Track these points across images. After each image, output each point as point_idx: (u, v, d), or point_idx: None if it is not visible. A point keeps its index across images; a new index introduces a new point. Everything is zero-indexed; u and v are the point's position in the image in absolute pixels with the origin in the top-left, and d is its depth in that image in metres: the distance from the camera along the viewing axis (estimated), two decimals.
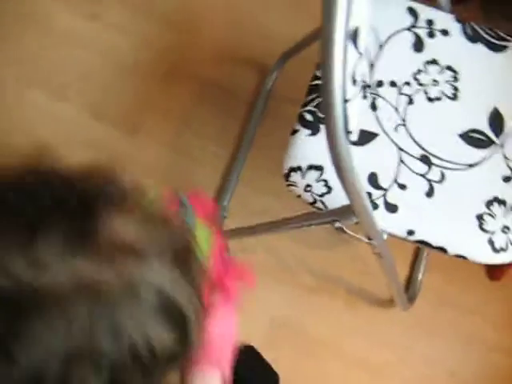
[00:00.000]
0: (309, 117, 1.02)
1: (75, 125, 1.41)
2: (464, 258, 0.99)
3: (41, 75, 1.45)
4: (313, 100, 1.02)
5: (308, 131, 1.01)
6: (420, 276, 1.39)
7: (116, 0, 1.53)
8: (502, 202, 1.00)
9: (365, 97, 1.04)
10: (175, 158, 1.44)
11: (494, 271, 1.37)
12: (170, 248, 0.47)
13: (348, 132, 0.69)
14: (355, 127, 0.73)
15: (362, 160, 0.98)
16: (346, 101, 0.66)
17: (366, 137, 1.02)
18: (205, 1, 1.55)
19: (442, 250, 0.99)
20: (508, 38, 1.10)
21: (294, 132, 1.03)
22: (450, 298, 1.38)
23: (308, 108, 1.02)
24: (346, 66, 0.64)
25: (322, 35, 0.64)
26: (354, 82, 0.69)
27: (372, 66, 1.06)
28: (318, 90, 0.99)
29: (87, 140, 1.38)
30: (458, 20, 1.11)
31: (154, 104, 1.47)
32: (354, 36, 0.68)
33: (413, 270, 1.40)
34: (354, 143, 0.99)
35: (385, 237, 0.97)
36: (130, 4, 1.54)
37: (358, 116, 0.74)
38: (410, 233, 0.98)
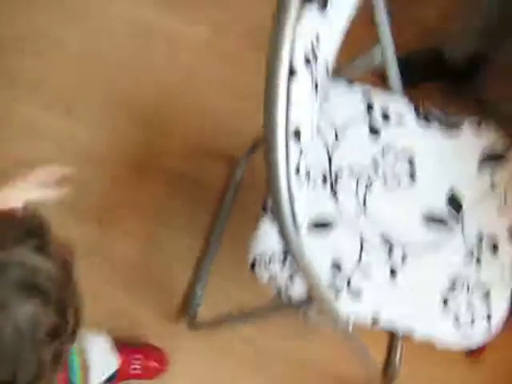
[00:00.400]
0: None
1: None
2: (433, 341, 0.99)
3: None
4: None
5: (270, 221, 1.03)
6: (397, 357, 1.38)
7: (88, 94, 1.58)
8: (464, 281, 1.01)
9: (325, 184, 1.07)
10: (147, 250, 1.45)
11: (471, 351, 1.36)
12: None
13: (297, 226, 0.70)
14: (303, 219, 0.75)
15: (323, 247, 1.00)
16: (291, 197, 0.68)
17: (327, 226, 1.04)
18: (176, 99, 1.59)
19: (410, 334, 0.98)
20: (460, 121, 1.14)
21: (261, 219, 1.04)
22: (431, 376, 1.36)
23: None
24: (288, 165, 0.66)
25: (264, 137, 0.67)
26: (298, 177, 0.71)
27: (330, 154, 1.09)
28: None
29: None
30: (412, 102, 1.15)
31: (124, 196, 1.49)
32: (297, 134, 0.70)
33: (390, 352, 1.39)
34: (315, 231, 1.01)
35: (350, 325, 0.97)
36: (101, 97, 1.58)
37: (306, 208, 0.75)
38: (375, 319, 0.97)
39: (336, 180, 1.08)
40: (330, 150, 1.10)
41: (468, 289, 1.00)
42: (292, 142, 0.69)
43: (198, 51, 1.64)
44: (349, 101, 1.15)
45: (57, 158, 1.46)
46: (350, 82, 1.17)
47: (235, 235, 1.41)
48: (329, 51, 0.85)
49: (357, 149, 1.11)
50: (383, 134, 1.12)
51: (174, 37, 1.65)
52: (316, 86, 0.78)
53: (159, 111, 1.57)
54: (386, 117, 1.14)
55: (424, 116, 1.14)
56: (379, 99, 1.15)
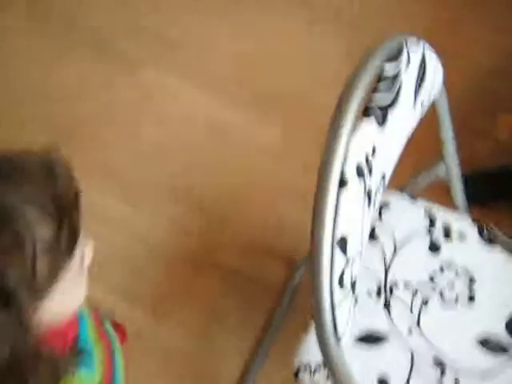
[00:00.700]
0: None
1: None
2: None
3: None
4: None
5: None
6: None
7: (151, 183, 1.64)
8: None
9: (379, 297, 1.05)
10: (199, 344, 1.44)
11: None
12: None
13: (338, 336, 0.69)
14: (346, 331, 0.73)
15: (372, 361, 0.97)
16: (333, 306, 0.68)
17: (378, 337, 1.01)
18: (239, 195, 1.63)
19: None
20: None
21: (307, 330, 1.03)
22: None
23: None
24: (332, 274, 0.66)
25: (310, 244, 0.67)
26: (341, 286, 0.70)
27: (387, 267, 1.08)
28: None
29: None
30: (476, 222, 1.13)
31: (178, 287, 1.51)
32: (343, 243, 0.70)
33: None
34: (363, 344, 0.98)
35: None
36: (162, 186, 1.64)
37: (350, 320, 0.74)
38: None
39: (391, 293, 1.06)
40: (387, 262, 1.09)
41: None
42: (337, 251, 0.69)
43: (269, 153, 1.69)
44: (411, 215, 1.15)
45: (112, 242, 1.51)
46: (413, 196, 1.18)
47: (287, 339, 1.39)
48: (386, 164, 0.86)
49: (415, 263, 1.09)
50: (443, 251, 1.10)
51: (247, 137, 1.71)
52: (369, 197, 0.79)
53: (222, 204, 1.61)
54: (447, 235, 1.12)
55: (488, 238, 1.12)
56: (442, 216, 1.14)
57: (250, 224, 1.59)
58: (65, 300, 0.66)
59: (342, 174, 0.70)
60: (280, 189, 1.62)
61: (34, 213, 0.59)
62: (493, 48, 1.87)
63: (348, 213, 0.71)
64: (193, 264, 1.54)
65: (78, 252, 0.64)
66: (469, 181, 1.24)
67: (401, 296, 1.06)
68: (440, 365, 0.99)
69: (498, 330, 1.02)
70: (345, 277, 0.71)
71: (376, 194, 0.83)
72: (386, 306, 1.05)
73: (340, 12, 1.92)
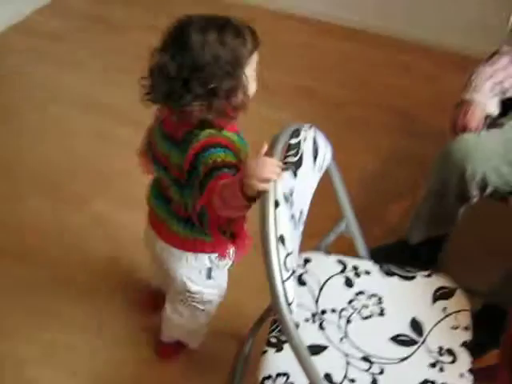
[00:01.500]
0: (273, 340, 1.34)
1: None
2: None
3: None
4: (274, 330, 1.36)
5: (274, 349, 1.32)
6: None
7: None
8: (432, 383, 1.26)
9: (314, 322, 1.38)
10: None
11: None
12: None
13: (288, 301, 1.02)
14: (294, 300, 1.05)
15: (317, 365, 1.27)
16: (283, 280, 1.02)
17: (318, 349, 1.32)
18: None
19: None
20: (415, 271, 1.49)
21: (264, 352, 1.33)
22: None
23: (272, 334, 1.35)
24: (279, 260, 1.01)
25: (263, 242, 1.02)
26: (286, 268, 1.04)
27: (315, 300, 1.42)
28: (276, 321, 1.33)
29: None
30: (375, 263, 1.51)
31: (144, 371, 1.76)
32: (281, 239, 1.05)
33: None
34: (312, 354, 1.29)
35: None
36: None
37: (294, 295, 1.07)
38: None
39: (323, 318, 1.39)
40: (315, 297, 1.43)
41: None
42: (280, 244, 1.04)
43: None
44: (327, 264, 1.51)
45: None
46: (328, 252, 1.55)
47: None
48: (302, 203, 1.24)
49: (336, 295, 1.44)
50: (356, 284, 1.46)
51: None
52: (294, 221, 1.16)
53: None
54: (357, 273, 1.49)
55: (385, 271, 1.49)
56: (350, 261, 1.52)
57: None
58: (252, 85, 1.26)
59: (276, 200, 1.07)
60: None
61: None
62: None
63: (282, 222, 1.07)
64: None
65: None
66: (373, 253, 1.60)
67: (330, 318, 1.39)
68: (368, 360, 1.31)
69: (404, 329, 1.37)
70: (287, 262, 1.05)
71: (299, 220, 1.20)
72: (321, 327, 1.37)
73: None
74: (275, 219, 1.04)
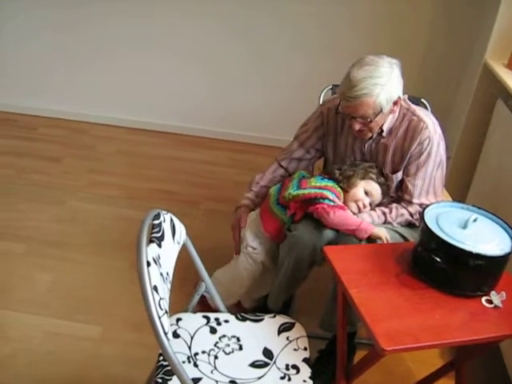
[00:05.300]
0: (159, 380, 1.69)
1: None
2: None
3: None
4: (158, 374, 1.71)
5: None
6: None
7: None
8: None
9: (190, 363, 1.74)
10: None
11: None
12: None
13: (165, 332, 1.40)
14: (169, 331, 1.43)
15: None
16: (159, 317, 1.40)
17: (196, 380, 1.69)
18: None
19: None
20: (263, 316, 1.92)
21: None
22: None
23: (158, 376, 1.70)
24: (155, 302, 1.40)
25: (142, 289, 1.41)
26: (161, 308, 1.43)
27: (189, 347, 1.80)
28: (159, 368, 1.69)
29: None
30: (232, 313, 1.92)
31: None
32: (155, 289, 1.44)
33: None
34: None
35: None
36: None
37: (169, 328, 1.45)
38: None
39: (196, 359, 1.76)
40: (188, 345, 1.80)
41: None
42: (154, 292, 1.43)
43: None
44: (194, 320, 1.90)
45: None
46: (194, 311, 1.94)
47: None
48: (168, 267, 1.64)
49: (204, 341, 1.82)
50: (218, 330, 1.86)
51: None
52: (163, 277, 1.56)
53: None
54: (218, 323, 1.89)
55: (241, 317, 1.91)
56: (212, 315, 1.92)
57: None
58: None
59: (148, 261, 1.47)
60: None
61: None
62: None
63: (154, 276, 1.46)
64: None
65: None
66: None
67: (201, 358, 1.77)
68: (234, 382, 1.70)
69: (259, 356, 1.78)
70: (161, 304, 1.44)
71: (166, 278, 1.60)
72: (195, 365, 1.74)
73: None
74: (149, 274, 1.44)
